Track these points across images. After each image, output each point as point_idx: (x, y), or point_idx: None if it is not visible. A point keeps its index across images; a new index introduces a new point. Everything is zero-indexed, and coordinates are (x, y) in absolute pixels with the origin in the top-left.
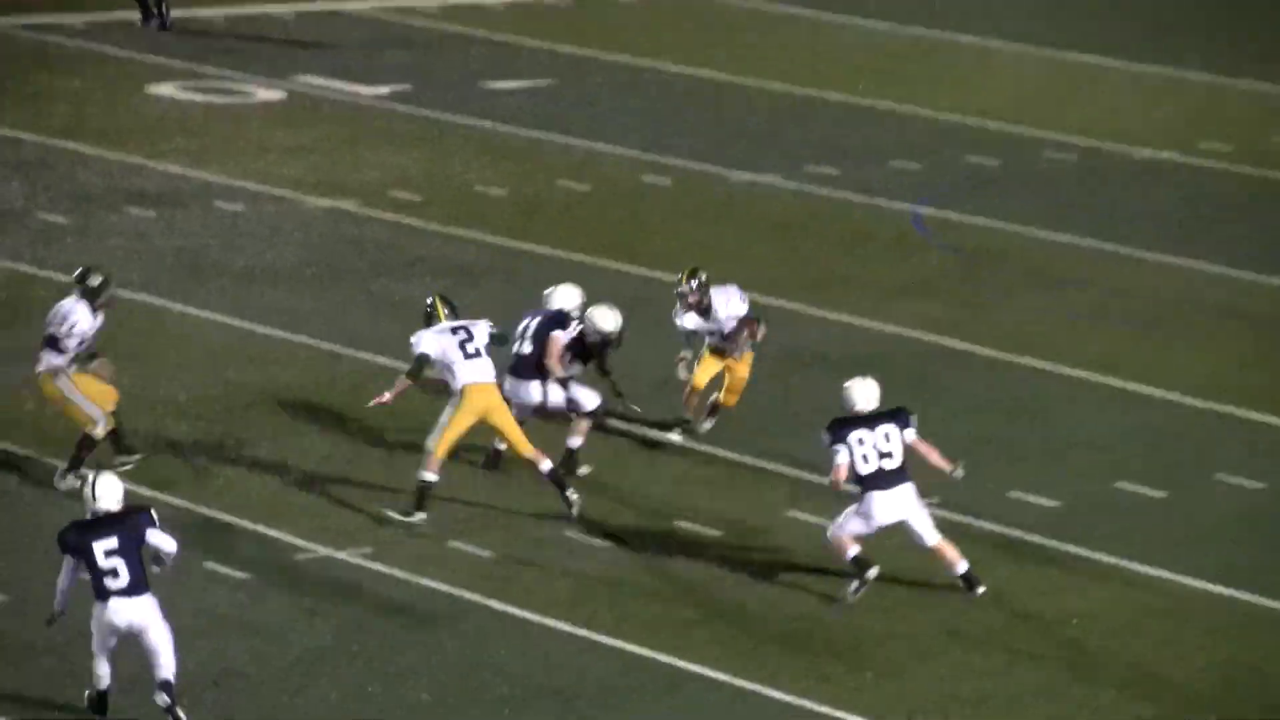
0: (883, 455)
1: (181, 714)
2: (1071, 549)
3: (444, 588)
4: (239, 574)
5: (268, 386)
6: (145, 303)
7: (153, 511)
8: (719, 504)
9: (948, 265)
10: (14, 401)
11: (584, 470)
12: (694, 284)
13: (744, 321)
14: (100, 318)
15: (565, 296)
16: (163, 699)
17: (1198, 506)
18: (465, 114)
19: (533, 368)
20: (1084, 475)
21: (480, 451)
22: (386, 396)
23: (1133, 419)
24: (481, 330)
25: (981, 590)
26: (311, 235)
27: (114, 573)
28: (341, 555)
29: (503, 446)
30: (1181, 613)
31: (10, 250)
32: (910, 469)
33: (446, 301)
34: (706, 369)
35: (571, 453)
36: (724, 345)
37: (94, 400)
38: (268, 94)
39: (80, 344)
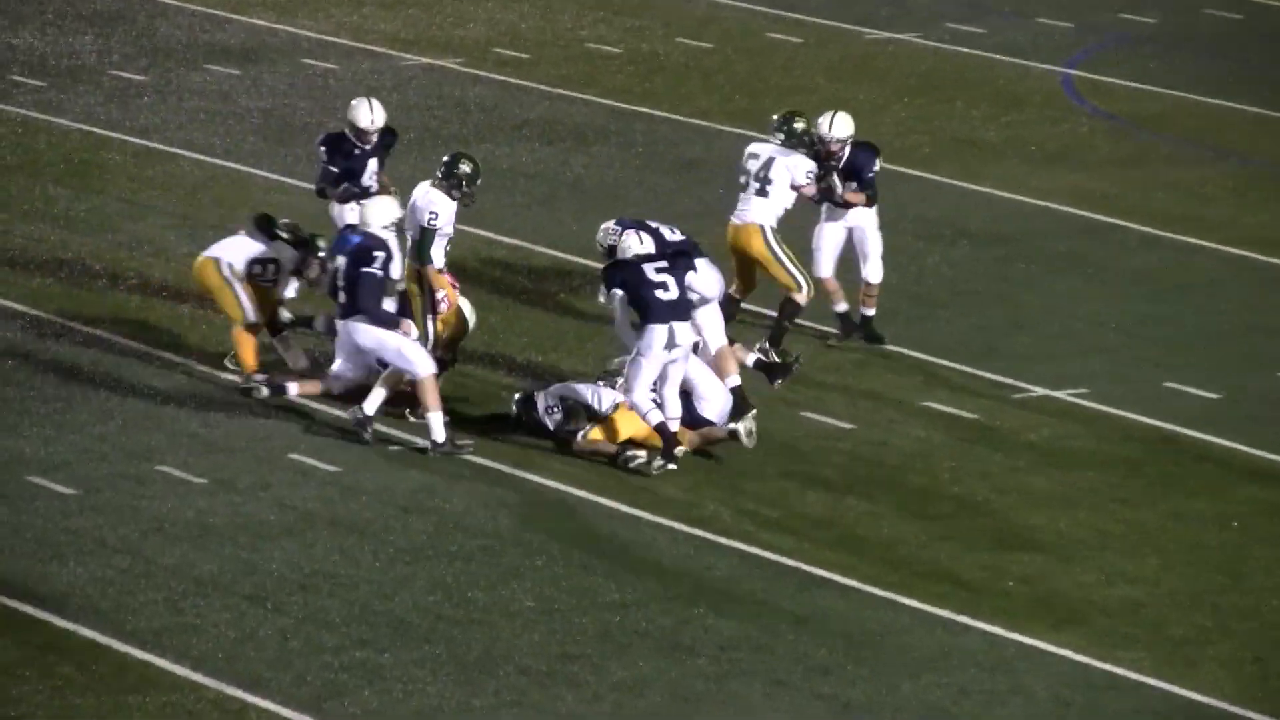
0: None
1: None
2: (1231, 444)
3: (550, 483)
4: (328, 467)
5: None
6: (228, 169)
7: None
8: (847, 394)
9: (1100, 132)
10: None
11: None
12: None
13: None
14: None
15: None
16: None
17: None
18: None
19: None
20: (1246, 363)
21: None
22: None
23: None
24: None
25: (752, 411)
26: (409, 96)
27: (664, 286)
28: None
29: None
30: None
31: (83, 110)
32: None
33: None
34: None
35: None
36: None
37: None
38: None
39: None
